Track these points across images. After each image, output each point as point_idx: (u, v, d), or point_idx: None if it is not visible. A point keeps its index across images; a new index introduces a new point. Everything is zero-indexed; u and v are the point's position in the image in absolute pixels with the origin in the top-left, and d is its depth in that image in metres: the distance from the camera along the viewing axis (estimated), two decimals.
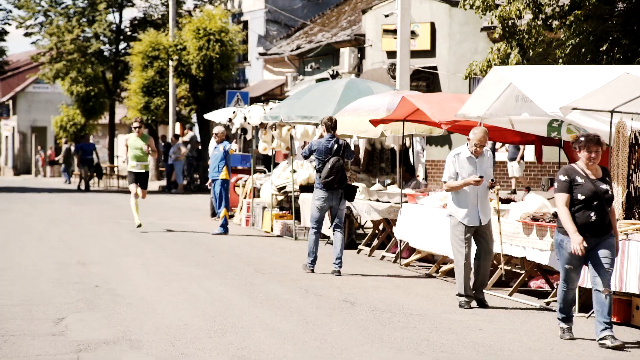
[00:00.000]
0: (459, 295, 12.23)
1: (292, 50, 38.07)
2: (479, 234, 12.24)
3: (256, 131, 23.07)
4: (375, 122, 16.38)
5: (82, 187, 40.08)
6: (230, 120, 22.68)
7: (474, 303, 12.22)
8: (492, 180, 12.29)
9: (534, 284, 13.87)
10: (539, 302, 12.58)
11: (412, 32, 24.19)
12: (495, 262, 13.37)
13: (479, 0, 18.92)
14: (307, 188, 19.88)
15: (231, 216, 22.14)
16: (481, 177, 12.02)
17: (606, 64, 17.03)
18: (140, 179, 20.39)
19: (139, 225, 20.27)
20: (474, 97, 13.59)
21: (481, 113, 13.58)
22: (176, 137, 38.77)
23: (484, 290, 12.41)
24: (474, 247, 12.35)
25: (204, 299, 12.16)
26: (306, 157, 15.01)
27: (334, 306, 11.98)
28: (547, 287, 13.50)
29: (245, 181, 23.34)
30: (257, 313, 11.33)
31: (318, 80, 35.08)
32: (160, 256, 16.56)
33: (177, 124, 43.62)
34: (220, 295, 12.52)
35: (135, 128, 20.43)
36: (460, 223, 12.17)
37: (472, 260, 12.29)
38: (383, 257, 16.91)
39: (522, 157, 24.42)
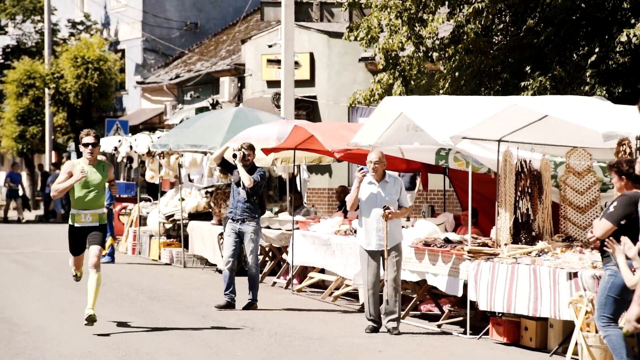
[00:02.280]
0: (367, 319, 12.50)
1: (170, 79, 38.09)
2: (384, 260, 12.34)
3: (141, 161, 23.04)
4: (267, 151, 16.67)
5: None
6: (115, 149, 22.64)
7: (383, 328, 12.34)
8: (384, 206, 12.21)
9: (424, 308, 14.32)
10: (430, 325, 13.01)
11: (296, 63, 24.59)
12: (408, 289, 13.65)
13: (363, 32, 19.42)
14: (195, 216, 20.02)
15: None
16: (385, 206, 12.26)
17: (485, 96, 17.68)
18: (94, 239, 11.95)
19: (92, 320, 11.80)
20: (366, 126, 14.02)
21: (372, 142, 14.00)
22: (55, 165, 38.26)
23: (396, 318, 12.32)
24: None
25: (102, 326, 12.17)
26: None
27: (234, 332, 12.17)
28: (436, 311, 13.95)
29: (130, 210, 23.31)
30: (159, 339, 11.44)
31: (198, 109, 35.21)
32: (51, 286, 16.44)
33: (53, 153, 43.00)
34: (117, 323, 12.54)
35: (87, 147, 11.86)
36: (362, 247, 12.49)
37: (375, 285, 12.39)
38: (274, 283, 17.15)
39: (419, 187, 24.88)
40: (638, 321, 5.44)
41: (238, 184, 14.16)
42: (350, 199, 12.45)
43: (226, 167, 14.48)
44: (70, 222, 11.94)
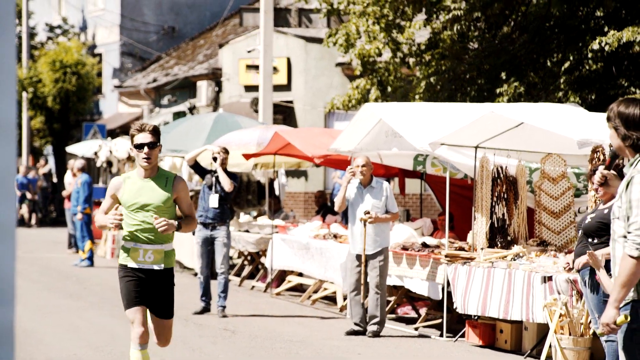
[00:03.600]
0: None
1: (148, 83, 38.21)
2: (367, 264, 12.51)
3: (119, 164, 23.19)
4: (247, 156, 16.88)
5: None
6: (95, 153, 22.77)
7: (369, 332, 12.47)
8: (365, 211, 12.30)
9: (401, 311, 14.57)
10: (407, 328, 13.26)
11: (274, 68, 24.81)
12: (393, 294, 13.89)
13: (342, 38, 19.69)
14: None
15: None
16: (367, 212, 12.39)
17: (461, 102, 17.97)
18: (162, 304, 8.20)
19: None
20: (346, 132, 14.26)
21: (352, 147, 14.25)
22: (29, 169, 38.27)
23: (378, 322, 12.46)
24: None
25: (87, 329, 12.35)
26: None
27: (216, 335, 12.37)
28: (413, 314, 14.20)
29: None
30: None
31: (175, 113, 35.38)
32: (33, 289, 16.56)
33: (29, 157, 42.96)
34: (101, 326, 12.73)
35: (142, 150, 7.93)
36: (349, 251, 12.71)
37: (356, 289, 12.55)
38: (253, 287, 17.36)
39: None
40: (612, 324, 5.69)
41: (211, 187, 14.09)
42: (338, 200, 12.58)
43: (198, 170, 14.44)
44: (121, 259, 8.04)
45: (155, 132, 7.93)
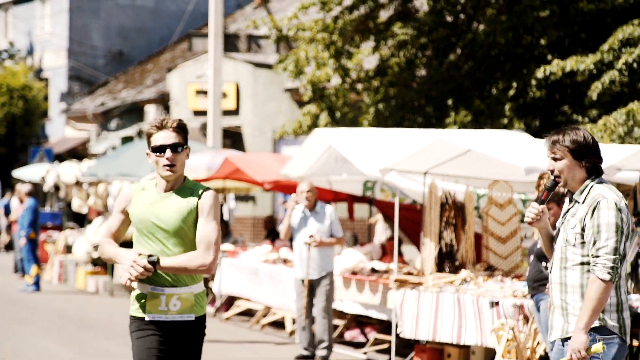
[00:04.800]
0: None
1: (96, 107, 38.06)
2: (313, 289, 12.57)
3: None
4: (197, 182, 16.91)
5: None
6: (43, 178, 22.65)
7: (318, 356, 12.54)
8: (310, 235, 12.35)
9: (349, 335, 14.65)
10: (356, 352, 13.34)
11: (223, 93, 24.89)
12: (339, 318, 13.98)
13: (291, 64, 19.83)
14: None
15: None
16: (311, 235, 12.50)
17: (408, 128, 18.18)
18: (180, 352, 5.88)
19: None
20: (296, 157, 14.37)
21: (302, 173, 14.34)
22: None
23: (326, 347, 12.51)
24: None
25: (37, 356, 12.27)
26: None
27: None
28: (361, 338, 14.29)
29: (56, 238, 23.29)
30: None
31: (123, 138, 35.26)
32: None
33: None
34: (51, 352, 12.65)
35: (163, 154, 5.83)
36: (295, 276, 12.80)
37: (307, 314, 12.57)
38: None
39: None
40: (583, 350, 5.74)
41: None
42: (284, 228, 12.75)
43: None
44: (134, 310, 5.91)
45: (181, 129, 5.84)
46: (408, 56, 19.51)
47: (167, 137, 5.80)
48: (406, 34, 19.30)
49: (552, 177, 5.89)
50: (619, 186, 10.96)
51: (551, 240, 5.99)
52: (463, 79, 18.66)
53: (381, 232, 16.25)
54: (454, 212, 12.77)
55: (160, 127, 5.83)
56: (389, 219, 15.83)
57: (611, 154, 10.89)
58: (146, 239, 5.80)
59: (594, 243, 5.71)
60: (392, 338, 12.47)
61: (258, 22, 20.86)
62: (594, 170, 5.89)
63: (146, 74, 38.77)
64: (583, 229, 5.77)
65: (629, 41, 14.53)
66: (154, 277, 5.74)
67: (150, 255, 5.71)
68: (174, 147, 5.80)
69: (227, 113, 28.84)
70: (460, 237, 12.80)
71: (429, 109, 18.91)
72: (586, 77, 15.49)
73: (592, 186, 5.84)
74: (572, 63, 15.72)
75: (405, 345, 12.91)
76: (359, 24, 19.64)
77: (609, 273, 5.64)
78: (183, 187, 5.90)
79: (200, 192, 5.86)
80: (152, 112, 33.40)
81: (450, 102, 18.48)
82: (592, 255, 5.72)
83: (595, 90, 14.58)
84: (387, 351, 12.94)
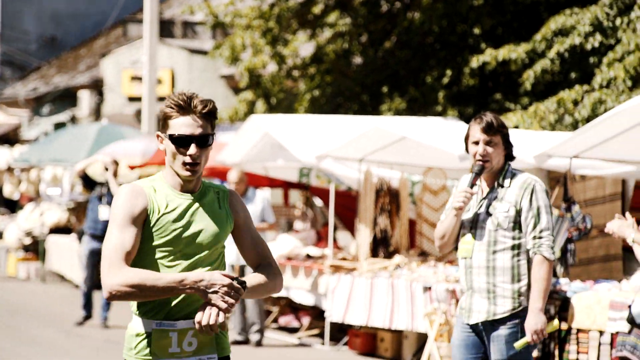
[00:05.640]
0: None
1: (28, 93, 37.56)
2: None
3: None
4: (132, 167, 16.84)
5: None
6: None
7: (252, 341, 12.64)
8: None
9: (283, 320, 14.70)
10: (290, 337, 13.40)
11: (158, 79, 24.75)
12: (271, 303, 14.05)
13: (228, 51, 19.78)
14: (56, 231, 19.93)
15: None
16: None
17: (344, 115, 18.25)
18: None
19: None
20: (232, 144, 14.36)
21: (238, 159, 14.35)
22: None
23: (258, 330, 12.61)
24: None
25: None
26: None
27: (99, 346, 12.31)
28: (295, 323, 14.35)
29: None
30: (25, 354, 11.49)
31: (56, 124, 34.86)
32: None
33: None
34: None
35: (187, 150, 4.22)
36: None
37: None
38: None
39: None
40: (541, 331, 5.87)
41: (100, 199, 13.99)
42: None
43: (87, 182, 14.31)
44: (133, 354, 4.25)
45: (212, 115, 4.28)
46: (344, 45, 19.59)
47: (193, 125, 4.20)
48: (345, 24, 19.36)
49: (479, 162, 5.98)
50: (550, 173, 11.16)
51: (461, 225, 6.06)
52: (398, 67, 18.78)
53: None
54: (388, 198, 12.88)
55: (185, 109, 4.21)
56: (324, 205, 15.92)
57: (542, 141, 11.07)
58: (171, 258, 4.17)
59: (534, 225, 5.84)
60: (327, 323, 12.56)
61: (194, 8, 20.77)
62: (510, 156, 6.03)
63: (80, 59, 38.36)
64: (518, 213, 5.88)
65: (561, 31, 14.73)
66: (165, 309, 4.21)
67: (238, 278, 4.15)
68: (201, 140, 4.21)
69: (162, 99, 28.67)
70: (394, 223, 12.92)
71: (364, 97, 19.01)
72: (519, 66, 15.69)
73: (512, 171, 5.99)
74: (505, 52, 15.90)
75: (339, 330, 13.00)
76: (295, 12, 19.66)
77: (553, 252, 5.81)
78: (204, 186, 4.35)
79: (226, 194, 4.38)
80: (85, 98, 33.09)
81: (385, 89, 18.60)
82: (535, 237, 5.84)
83: (527, 79, 14.77)
84: (321, 336, 13.02)
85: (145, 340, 4.20)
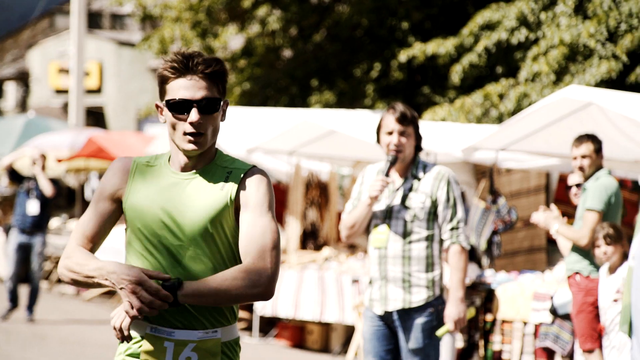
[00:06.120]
0: None
1: None
2: None
3: None
4: (61, 160, 16.69)
5: None
6: None
7: None
8: None
9: None
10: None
11: (86, 72, 24.54)
12: None
13: (157, 43, 19.67)
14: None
15: None
16: None
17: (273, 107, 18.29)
18: None
19: None
20: (162, 136, 14.29)
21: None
22: None
23: None
24: None
25: None
26: None
27: (25, 340, 12.17)
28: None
29: None
30: None
31: None
32: None
33: None
34: None
35: (186, 118, 3.53)
36: None
37: None
38: (64, 294, 17.11)
39: None
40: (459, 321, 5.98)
41: (28, 193, 13.82)
42: None
43: (15, 176, 14.13)
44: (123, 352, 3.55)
45: (218, 75, 3.53)
46: (276, 41, 19.62)
47: (193, 86, 3.49)
48: (276, 19, 19.36)
49: (393, 152, 6.02)
50: (476, 166, 11.31)
51: (371, 216, 6.13)
52: (327, 60, 18.86)
53: None
54: (318, 191, 12.95)
55: (184, 68, 3.49)
56: None
57: (469, 134, 11.21)
58: (150, 249, 3.55)
59: (452, 216, 5.93)
60: (255, 316, 12.58)
61: (122, 0, 20.60)
62: (419, 147, 6.11)
63: (5, 51, 37.84)
64: (434, 204, 5.96)
65: (487, 25, 14.91)
66: (170, 317, 3.51)
67: (172, 278, 3.42)
68: (204, 105, 3.50)
69: (90, 92, 28.44)
70: (324, 216, 12.99)
71: (294, 89, 19.06)
72: (447, 61, 15.85)
73: (423, 162, 6.07)
74: (433, 46, 16.05)
75: (268, 323, 13.04)
76: (225, 5, 19.61)
77: (468, 243, 5.92)
78: (213, 164, 3.58)
79: (242, 173, 3.53)
80: (11, 91, 32.67)
81: (315, 82, 18.66)
82: (453, 227, 5.93)
83: (455, 73, 14.93)
84: (249, 329, 13.04)
85: (135, 345, 3.51)
